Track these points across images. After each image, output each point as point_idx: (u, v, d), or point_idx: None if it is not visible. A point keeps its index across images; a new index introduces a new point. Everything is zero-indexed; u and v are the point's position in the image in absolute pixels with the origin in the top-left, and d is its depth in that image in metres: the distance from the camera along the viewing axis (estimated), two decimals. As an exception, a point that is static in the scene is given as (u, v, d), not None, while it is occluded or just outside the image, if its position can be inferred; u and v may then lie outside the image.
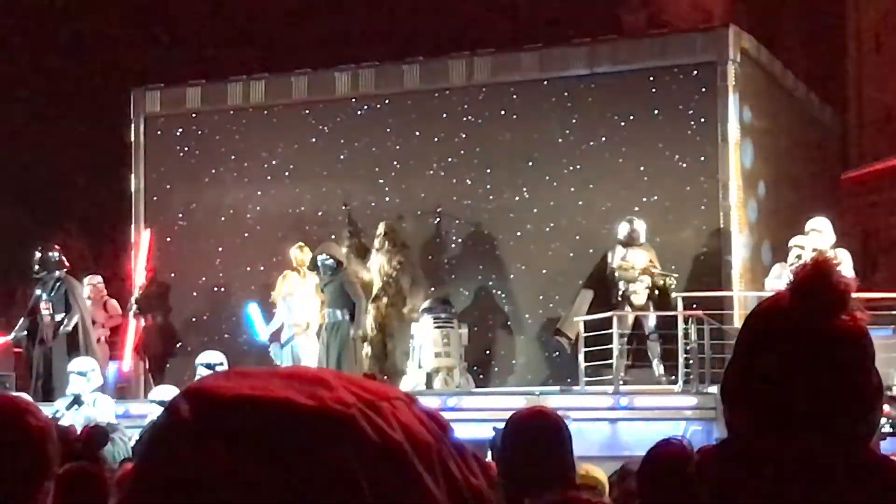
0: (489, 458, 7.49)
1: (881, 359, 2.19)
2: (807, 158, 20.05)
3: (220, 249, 19.57)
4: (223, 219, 19.58)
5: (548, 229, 17.94)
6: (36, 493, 2.49)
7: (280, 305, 17.55)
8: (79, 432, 9.62)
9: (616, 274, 16.38)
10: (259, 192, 19.44)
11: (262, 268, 19.06)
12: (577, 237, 17.78)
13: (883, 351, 13.80)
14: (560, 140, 18.00)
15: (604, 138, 17.82)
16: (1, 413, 2.56)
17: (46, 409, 12.49)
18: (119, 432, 12.30)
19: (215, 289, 19.61)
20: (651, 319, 16.19)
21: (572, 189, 17.90)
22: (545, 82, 18.22)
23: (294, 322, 17.18)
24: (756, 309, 2.22)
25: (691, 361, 15.38)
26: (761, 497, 2.08)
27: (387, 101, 18.93)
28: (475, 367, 17.50)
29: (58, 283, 17.70)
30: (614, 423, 15.21)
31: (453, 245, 18.54)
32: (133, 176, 20.27)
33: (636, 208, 16.99)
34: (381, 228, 17.68)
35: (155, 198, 20.08)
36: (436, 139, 18.54)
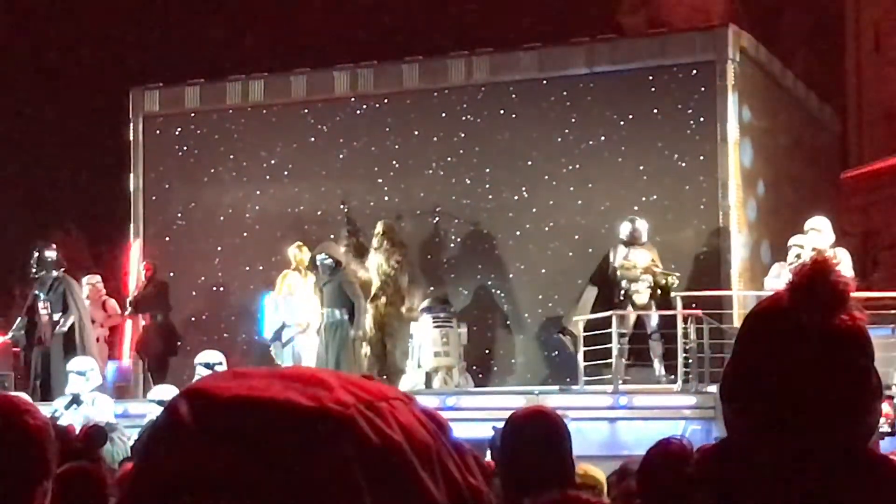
0: (488, 457, 7.49)
1: (880, 358, 2.19)
2: (806, 158, 20.05)
3: (219, 249, 19.57)
4: (222, 218, 19.57)
5: (547, 229, 17.94)
6: (34, 493, 2.49)
7: (281, 305, 17.54)
8: (77, 432, 9.62)
9: (618, 273, 16.37)
10: (258, 192, 19.44)
11: (261, 267, 19.07)
12: (577, 236, 17.78)
13: (882, 350, 13.75)
14: (559, 139, 18.00)
15: (603, 137, 17.82)
16: (-1, 413, 2.56)
17: (45, 409, 12.49)
18: (118, 432, 12.30)
19: (214, 288, 19.61)
20: (653, 319, 16.19)
21: (571, 188, 17.90)
22: (544, 82, 18.22)
23: (296, 322, 17.17)
24: (755, 308, 2.22)
25: (690, 361, 15.38)
26: (760, 497, 2.08)
27: (386, 101, 18.93)
28: (474, 367, 17.50)
29: (56, 283, 17.69)
30: (613, 422, 15.20)
31: (452, 244, 18.54)
32: (132, 175, 20.27)
33: (635, 208, 16.99)
34: (379, 228, 17.67)
35: (154, 197, 20.08)
36: (435, 138, 18.54)
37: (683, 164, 17.46)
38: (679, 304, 15.67)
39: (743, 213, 17.41)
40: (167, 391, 13.52)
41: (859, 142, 38.08)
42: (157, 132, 20.18)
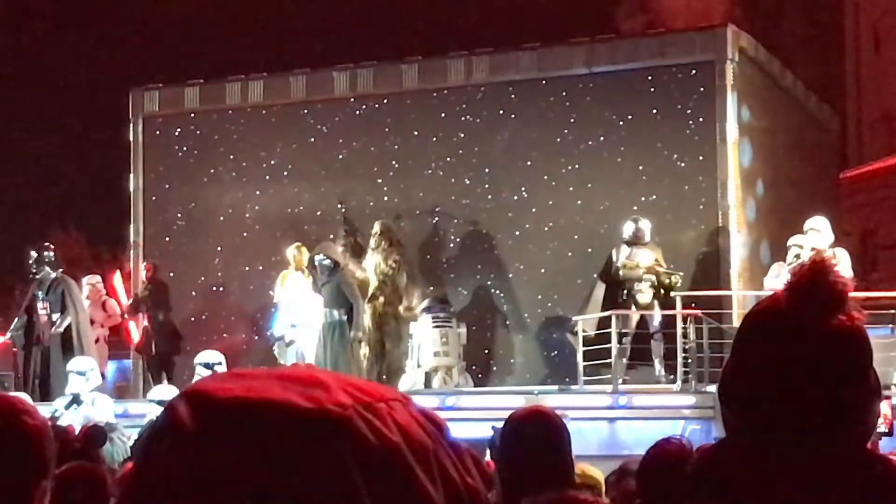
0: (488, 457, 7.49)
1: (879, 358, 2.19)
2: (805, 158, 20.04)
3: (219, 249, 19.57)
4: (222, 218, 19.57)
5: (546, 229, 17.94)
6: (33, 493, 2.49)
7: (283, 305, 17.56)
8: (77, 432, 9.62)
9: (621, 273, 16.37)
10: (258, 192, 19.44)
11: (260, 267, 19.07)
12: (576, 236, 17.78)
13: (881, 350, 13.75)
14: (558, 139, 18.00)
15: (602, 138, 17.81)
16: (-3, 413, 2.56)
17: (45, 409, 12.49)
18: (118, 432, 12.30)
19: (214, 288, 19.61)
20: (656, 318, 16.18)
21: (571, 188, 17.90)
22: (544, 82, 18.22)
23: (299, 322, 17.15)
24: (753, 309, 2.22)
25: (690, 361, 15.38)
26: (759, 497, 2.08)
27: (385, 101, 18.92)
28: (474, 367, 17.49)
29: (54, 283, 17.69)
30: (613, 422, 15.20)
31: (452, 244, 18.54)
32: (132, 175, 20.26)
33: (634, 208, 16.98)
34: (376, 227, 17.67)
35: (154, 197, 20.08)
36: (434, 139, 18.53)
37: (683, 165, 17.46)
38: (679, 303, 15.67)
39: (742, 213, 17.41)
40: (167, 391, 13.52)
41: (859, 142, 38.10)
42: (157, 132, 20.18)
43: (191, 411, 1.15)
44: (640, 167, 17.55)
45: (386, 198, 18.65)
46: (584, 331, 16.11)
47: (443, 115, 18.54)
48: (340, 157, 19.03)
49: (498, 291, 18.22)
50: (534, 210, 18.01)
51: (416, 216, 18.43)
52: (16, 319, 18.15)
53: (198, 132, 19.93)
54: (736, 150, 17.29)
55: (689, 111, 17.50)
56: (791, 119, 19.67)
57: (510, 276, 18.17)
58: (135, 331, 19.17)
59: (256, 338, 19.15)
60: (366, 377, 16.18)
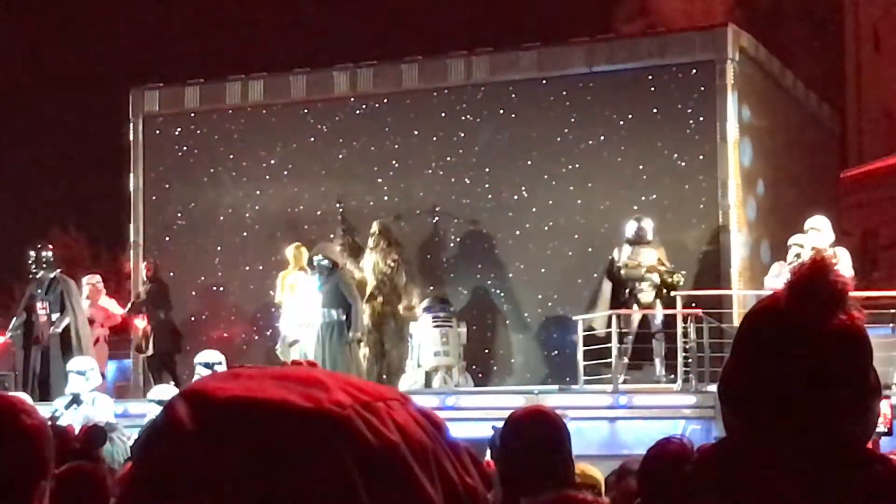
0: (488, 457, 7.49)
1: (879, 358, 2.19)
2: (806, 157, 20.04)
3: (219, 249, 19.57)
4: (222, 218, 19.57)
5: (546, 228, 17.94)
6: (33, 493, 2.49)
7: (289, 304, 17.59)
8: (77, 432, 9.62)
9: (622, 273, 16.37)
10: (258, 192, 19.44)
11: (260, 267, 19.07)
12: (576, 236, 17.78)
13: (881, 350, 13.76)
14: (559, 139, 18.00)
15: (602, 137, 17.81)
16: (-4, 413, 2.56)
17: (45, 409, 12.49)
18: (118, 432, 12.29)
19: (214, 288, 19.62)
20: (657, 318, 16.19)
21: (571, 188, 17.89)
22: (544, 81, 18.22)
23: (303, 322, 17.15)
24: (753, 308, 2.22)
25: (690, 360, 15.38)
26: (759, 497, 2.08)
27: (385, 101, 18.92)
28: (474, 367, 17.49)
29: (53, 283, 17.69)
30: (613, 422, 15.20)
31: (452, 244, 18.54)
32: (132, 175, 20.26)
33: (635, 207, 16.98)
34: (374, 227, 17.69)
35: (154, 197, 20.08)
36: (434, 138, 18.53)
37: (683, 164, 17.46)
38: (679, 303, 15.67)
39: (742, 213, 17.41)
40: (167, 391, 13.51)
41: (859, 141, 38.11)
42: (157, 132, 20.18)
43: (190, 411, 1.15)
44: (641, 167, 17.54)
45: (386, 197, 18.65)
46: (592, 329, 16.12)
47: (443, 114, 18.54)
48: (340, 156, 19.02)
49: (498, 291, 18.22)
50: (534, 210, 18.01)
51: (416, 216, 18.43)
52: (14, 319, 18.14)
53: (198, 132, 19.93)
54: (736, 149, 17.29)
55: (689, 111, 17.50)
56: (791, 118, 19.67)
57: (510, 275, 18.17)
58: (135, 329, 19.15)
59: (256, 337, 19.17)
60: (365, 377, 16.22)
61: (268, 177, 19.40)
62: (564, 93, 18.06)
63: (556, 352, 17.65)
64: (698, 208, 17.33)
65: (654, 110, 17.59)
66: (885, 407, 12.40)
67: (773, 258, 16.57)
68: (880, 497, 2.07)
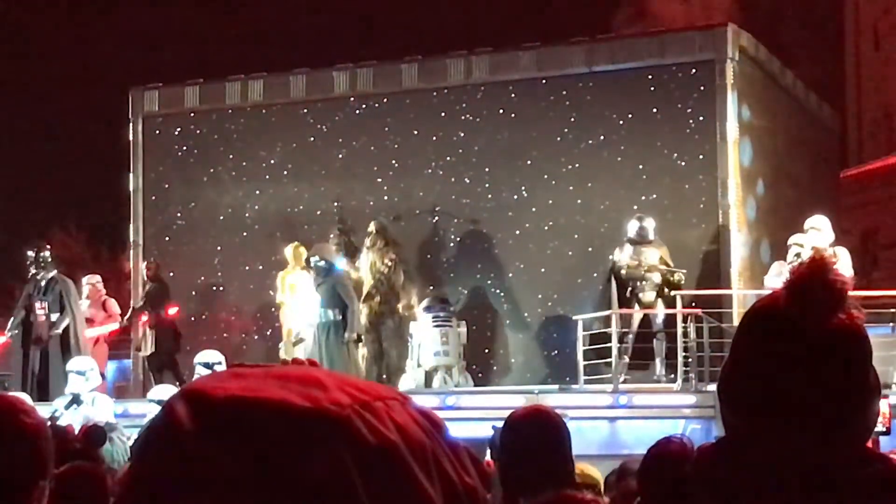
0: (488, 457, 7.48)
1: (879, 357, 2.19)
2: (805, 157, 20.05)
3: (219, 249, 19.57)
4: (222, 218, 19.57)
5: (546, 228, 17.94)
6: (32, 493, 2.49)
7: (286, 304, 17.59)
8: (77, 432, 9.62)
9: (622, 273, 16.36)
10: (257, 192, 19.44)
11: (260, 267, 19.07)
12: (576, 236, 17.78)
13: (881, 349, 13.72)
14: (559, 139, 18.00)
15: (602, 137, 17.81)
16: (-5, 413, 2.56)
17: (44, 409, 12.49)
18: (118, 432, 12.27)
19: (214, 288, 19.61)
20: (659, 317, 16.19)
21: (571, 188, 17.89)
22: (544, 81, 18.21)
23: (311, 321, 17.16)
24: (752, 307, 2.21)
25: (690, 360, 15.38)
26: (759, 496, 2.08)
27: (385, 100, 18.92)
28: (474, 366, 17.49)
29: (52, 283, 17.69)
30: (613, 421, 15.20)
31: (452, 244, 18.54)
32: (132, 175, 20.26)
33: (635, 207, 16.98)
34: (371, 227, 17.69)
35: (154, 197, 20.08)
36: (434, 138, 18.53)
37: (683, 164, 17.46)
38: (679, 302, 15.67)
39: (742, 212, 17.41)
40: (167, 391, 13.50)
41: (859, 141, 38.11)
42: (157, 132, 20.18)
43: (189, 411, 1.15)
44: (641, 166, 17.54)
45: (386, 197, 18.65)
46: (600, 329, 16.11)
47: (442, 114, 18.54)
48: (340, 156, 19.02)
49: (498, 291, 18.22)
50: (534, 209, 18.01)
51: (416, 216, 18.42)
52: (12, 318, 18.12)
53: (197, 132, 19.93)
54: (736, 149, 17.29)
55: (689, 110, 17.50)
56: (791, 118, 19.67)
57: (510, 275, 18.17)
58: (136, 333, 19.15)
59: (256, 337, 19.17)
60: (364, 377, 16.22)
61: (268, 177, 19.40)
62: (564, 93, 18.06)
63: (556, 351, 17.65)
64: (698, 208, 17.33)
65: (654, 110, 17.59)
66: (884, 406, 12.40)
67: (773, 258, 16.56)
68: (880, 496, 2.07)
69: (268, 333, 18.85)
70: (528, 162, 18.08)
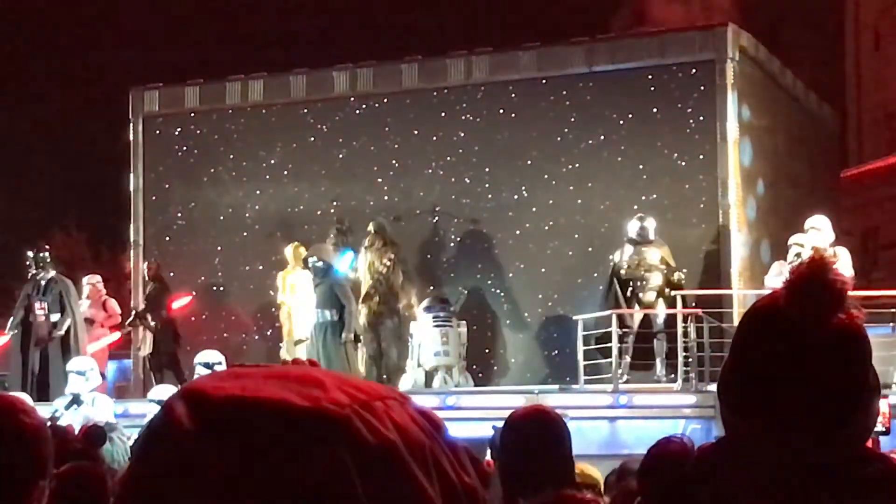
0: (488, 456, 7.49)
1: (880, 357, 2.19)
2: (806, 156, 20.05)
3: (219, 248, 19.58)
4: (222, 218, 19.58)
5: (546, 228, 17.94)
6: (31, 493, 2.49)
7: (287, 304, 17.60)
8: (77, 432, 9.62)
9: (622, 273, 16.37)
10: (258, 192, 19.44)
11: (260, 267, 19.08)
12: (576, 235, 17.78)
13: (881, 349, 13.71)
14: (559, 139, 18.00)
15: (602, 137, 17.82)
16: (-5, 412, 2.56)
17: (44, 409, 12.49)
18: (118, 432, 12.27)
19: (214, 288, 19.62)
20: (660, 317, 16.19)
21: (571, 188, 17.90)
22: (544, 81, 18.22)
23: (307, 321, 17.16)
24: (752, 307, 2.22)
25: (690, 360, 15.38)
26: (759, 496, 2.08)
27: (385, 100, 18.92)
28: (474, 366, 17.49)
29: (51, 284, 17.70)
30: (613, 421, 15.20)
31: (452, 244, 18.55)
32: (132, 175, 20.27)
33: (635, 207, 16.98)
34: (370, 227, 17.70)
35: (154, 197, 20.08)
36: (434, 138, 18.53)
37: (683, 163, 17.46)
38: (679, 302, 15.68)
39: (742, 212, 17.41)
40: (167, 391, 13.50)
41: (859, 141, 38.11)
42: (157, 132, 20.18)
43: (188, 410, 1.15)
44: (641, 166, 17.55)
45: (386, 197, 18.65)
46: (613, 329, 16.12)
47: (443, 114, 18.55)
48: (340, 156, 19.03)
49: (498, 291, 18.22)
50: (534, 209, 18.01)
51: (416, 216, 18.42)
52: (12, 318, 18.12)
53: (198, 132, 19.94)
54: (736, 148, 17.29)
55: (689, 110, 17.51)
56: (791, 118, 19.67)
57: (510, 275, 18.18)
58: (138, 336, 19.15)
59: (256, 337, 19.18)
60: (365, 377, 16.21)
61: (268, 177, 19.41)
62: (564, 92, 18.07)
63: (557, 351, 17.65)
64: (698, 208, 17.34)
65: (654, 110, 17.60)
66: (884, 406, 12.39)
67: (774, 258, 16.56)
68: (880, 496, 2.07)
69: (268, 333, 18.86)
70: (528, 162, 18.08)
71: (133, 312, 18.91)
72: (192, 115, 20.02)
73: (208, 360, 14.81)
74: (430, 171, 18.55)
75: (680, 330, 15.39)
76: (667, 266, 16.30)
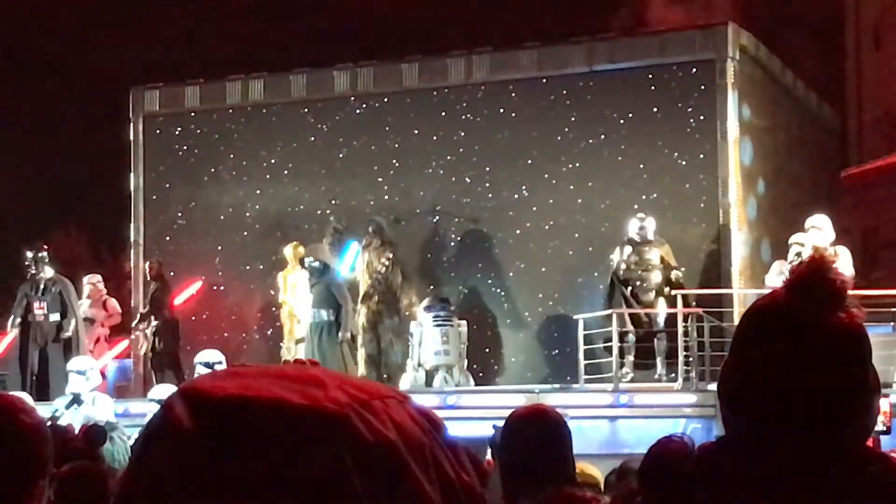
0: (489, 456, 7.49)
1: (881, 356, 2.19)
2: (806, 156, 20.06)
3: (219, 248, 19.58)
4: (222, 217, 19.59)
5: (547, 227, 17.94)
6: (31, 492, 2.49)
7: (289, 303, 17.59)
8: (77, 431, 9.62)
9: (620, 273, 16.37)
10: (258, 191, 19.45)
11: (260, 267, 19.09)
12: (577, 235, 17.78)
13: (883, 348, 13.70)
14: (559, 138, 18.00)
15: (603, 136, 17.82)
16: (-5, 412, 2.56)
17: (44, 409, 12.49)
18: (118, 431, 12.28)
19: (214, 287, 19.62)
20: (660, 316, 16.19)
21: (571, 187, 17.90)
22: (544, 80, 18.22)
23: (307, 321, 17.16)
24: (752, 306, 2.22)
25: (691, 359, 15.38)
26: (759, 495, 2.08)
27: (385, 100, 18.93)
28: (475, 366, 17.49)
29: (50, 284, 17.71)
30: (614, 421, 15.20)
31: (452, 243, 18.55)
32: (132, 175, 20.27)
33: (635, 206, 16.98)
34: (369, 227, 17.71)
35: (154, 197, 20.09)
36: (435, 137, 18.54)
37: (683, 163, 17.47)
38: (680, 302, 15.68)
39: (743, 212, 17.41)
40: (167, 390, 13.50)
41: (859, 140, 38.10)
42: (158, 132, 20.19)
43: (187, 410, 1.15)
44: (641, 165, 17.55)
45: (386, 197, 18.66)
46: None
47: (443, 113, 18.55)
48: (341, 156, 19.03)
49: (498, 290, 18.22)
50: (534, 209, 18.01)
51: (416, 215, 18.43)
52: (11, 319, 18.11)
53: (198, 131, 19.94)
54: (737, 148, 17.30)
55: (689, 109, 17.51)
56: (792, 117, 19.68)
57: (511, 274, 18.18)
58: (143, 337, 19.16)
59: (257, 337, 19.18)
60: (365, 377, 16.22)
61: (268, 176, 19.41)
62: (564, 92, 18.07)
63: (557, 351, 17.65)
64: (699, 207, 17.34)
65: (655, 109, 17.60)
66: (884, 405, 12.39)
67: (774, 257, 16.56)
68: (880, 496, 2.07)
69: (268, 333, 18.87)
70: (529, 161, 18.08)
71: (139, 315, 18.93)
72: (193, 114, 20.02)
73: (209, 360, 14.81)
74: (430, 170, 18.55)
75: (680, 329, 15.39)
76: (666, 265, 16.31)
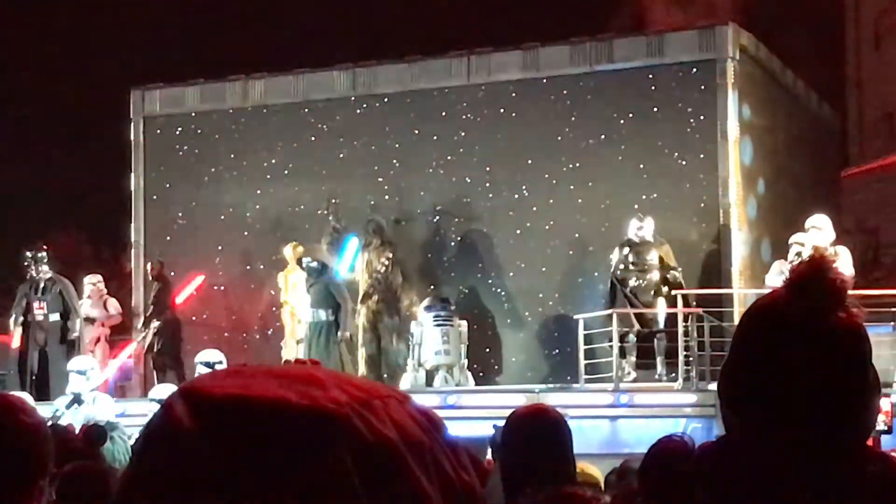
0: (489, 455, 7.49)
1: (882, 356, 2.20)
2: (806, 155, 20.05)
3: (220, 248, 19.58)
4: (223, 217, 19.59)
5: (547, 227, 17.94)
6: (31, 492, 2.49)
7: (290, 303, 17.59)
8: (78, 431, 9.62)
9: (619, 273, 16.37)
10: (258, 191, 19.45)
11: (261, 266, 19.08)
12: (577, 235, 17.78)
13: (882, 348, 13.69)
14: (559, 138, 18.00)
15: (603, 136, 17.81)
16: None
17: (44, 409, 12.49)
18: (119, 431, 12.29)
19: (214, 287, 19.62)
20: (661, 316, 16.19)
21: (571, 187, 17.90)
22: (544, 80, 18.22)
23: (307, 320, 17.16)
24: (752, 306, 2.22)
25: (691, 359, 15.38)
26: (759, 494, 2.08)
27: (386, 100, 18.93)
28: (475, 365, 17.49)
29: (49, 284, 17.71)
30: (614, 420, 15.20)
31: (452, 243, 18.55)
32: (132, 175, 20.28)
33: (636, 206, 16.98)
34: (369, 226, 17.71)
35: (155, 197, 20.09)
36: (435, 137, 18.53)
37: (684, 163, 17.46)
38: (680, 301, 15.68)
39: (743, 211, 17.41)
40: (168, 390, 13.49)
41: (859, 140, 38.10)
42: (158, 132, 20.19)
43: (188, 409, 1.15)
44: (641, 165, 17.55)
45: (386, 197, 18.65)
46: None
47: (443, 114, 18.55)
48: (341, 156, 19.03)
49: (499, 290, 18.22)
50: (534, 209, 18.01)
51: (416, 215, 18.43)
52: (12, 319, 18.11)
53: (198, 132, 19.94)
54: (737, 147, 17.30)
55: (690, 109, 17.50)
56: (792, 117, 19.67)
57: (511, 274, 18.18)
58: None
59: (257, 337, 19.18)
60: (365, 377, 16.21)
61: (268, 176, 19.41)
62: (564, 92, 18.06)
63: (557, 350, 17.65)
64: (699, 207, 17.34)
65: (655, 109, 17.59)
66: (885, 405, 12.39)
67: (774, 257, 16.56)
68: (880, 496, 2.07)
69: (269, 333, 18.87)
70: (529, 162, 18.08)
71: (143, 318, 18.95)
72: (193, 115, 20.02)
73: (209, 360, 14.82)
74: (430, 170, 18.55)
75: (681, 329, 15.39)
76: (665, 266, 16.31)
